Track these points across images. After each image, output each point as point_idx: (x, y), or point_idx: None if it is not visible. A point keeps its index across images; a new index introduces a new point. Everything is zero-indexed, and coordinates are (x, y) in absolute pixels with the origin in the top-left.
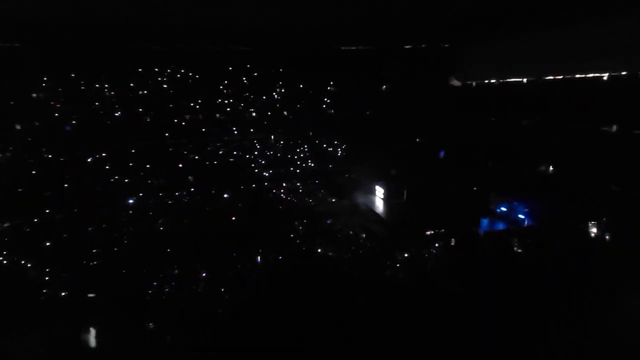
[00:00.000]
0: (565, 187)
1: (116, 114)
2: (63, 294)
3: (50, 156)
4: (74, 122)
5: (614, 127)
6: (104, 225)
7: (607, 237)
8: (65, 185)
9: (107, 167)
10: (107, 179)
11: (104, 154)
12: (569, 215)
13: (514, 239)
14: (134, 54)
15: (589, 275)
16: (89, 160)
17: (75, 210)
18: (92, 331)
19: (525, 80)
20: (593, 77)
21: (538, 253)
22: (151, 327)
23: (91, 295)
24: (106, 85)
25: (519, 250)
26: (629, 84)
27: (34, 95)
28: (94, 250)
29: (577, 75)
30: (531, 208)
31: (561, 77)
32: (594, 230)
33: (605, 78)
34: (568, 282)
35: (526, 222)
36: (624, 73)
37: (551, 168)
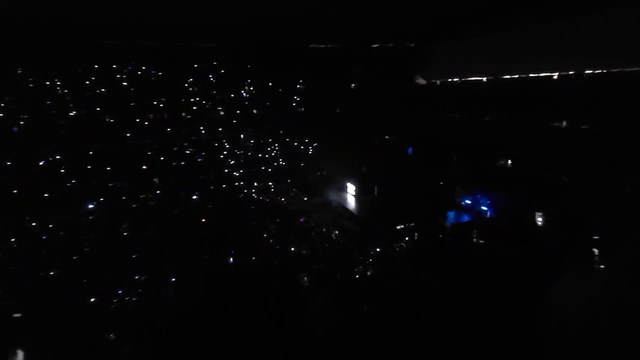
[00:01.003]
0: (522, 180)
1: (71, 114)
2: (15, 315)
3: None
4: (22, 122)
5: (564, 123)
6: (61, 233)
7: (557, 225)
8: (15, 191)
9: (62, 171)
10: (63, 183)
11: (57, 157)
12: (525, 205)
13: (477, 230)
14: (88, 49)
15: (540, 262)
16: (41, 163)
17: (27, 217)
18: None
19: (485, 79)
20: (545, 76)
21: (498, 242)
22: (112, 337)
23: (17, 315)
24: (58, 83)
25: (481, 241)
26: (576, 82)
27: None
28: (50, 260)
29: (531, 75)
30: (492, 200)
31: (517, 76)
32: (545, 219)
33: (555, 77)
34: (522, 268)
35: (488, 214)
36: (571, 73)
37: (510, 162)
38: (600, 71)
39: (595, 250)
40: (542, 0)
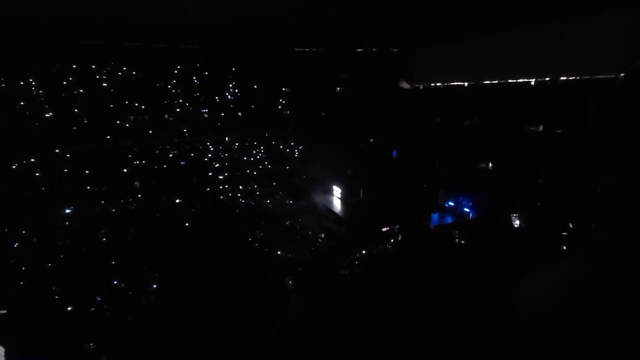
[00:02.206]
0: (502, 182)
1: (46, 115)
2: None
3: None
4: None
5: (540, 127)
6: (34, 240)
7: (535, 225)
8: None
9: (37, 174)
10: (37, 187)
11: (32, 160)
12: (503, 207)
13: (460, 231)
14: (66, 48)
15: (518, 260)
16: (14, 167)
17: None
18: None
19: (466, 84)
20: (522, 82)
21: (479, 243)
22: (91, 347)
23: (2, 312)
24: (33, 83)
25: (463, 242)
26: (551, 88)
27: None
28: (23, 268)
29: (510, 80)
30: (474, 202)
31: (496, 81)
32: (523, 220)
33: (532, 83)
34: (503, 269)
35: (470, 215)
36: (547, 79)
37: (490, 165)
38: (574, 78)
39: (570, 248)
40: (520, 8)
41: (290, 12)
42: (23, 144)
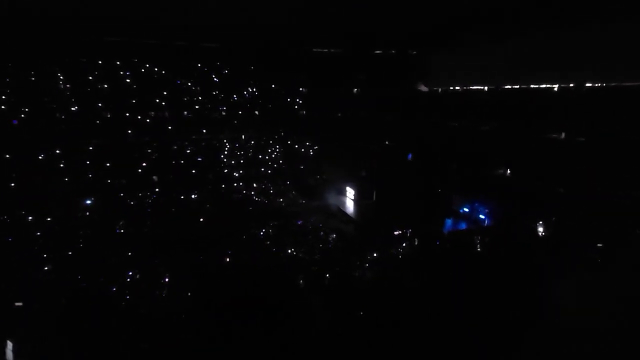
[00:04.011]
0: (520, 189)
1: (72, 109)
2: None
3: None
4: (22, 116)
5: (562, 134)
6: (56, 227)
7: (553, 234)
8: (12, 184)
9: (61, 165)
10: (61, 178)
11: (57, 151)
12: (522, 215)
13: (475, 237)
14: (92, 45)
15: (538, 270)
16: (40, 157)
17: (23, 212)
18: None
19: (486, 88)
20: (545, 87)
21: (495, 250)
22: (103, 335)
23: (18, 304)
24: (61, 78)
25: (479, 249)
26: (575, 95)
27: None
28: (45, 255)
29: (532, 86)
30: (490, 209)
31: (517, 86)
32: (544, 228)
33: (555, 89)
34: (521, 277)
35: (486, 222)
36: (571, 85)
37: (508, 171)
38: (600, 84)
39: (591, 256)
40: (546, 13)
41: (311, 15)
42: (49, 135)
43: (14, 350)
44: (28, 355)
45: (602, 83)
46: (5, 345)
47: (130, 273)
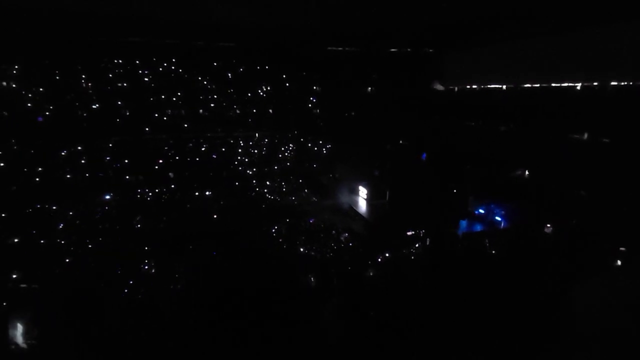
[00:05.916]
0: (539, 192)
1: (93, 106)
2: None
3: (18, 148)
4: (47, 113)
5: (585, 135)
6: (77, 222)
7: (573, 238)
8: (37, 179)
9: (82, 161)
10: (82, 174)
11: (79, 147)
12: (541, 218)
13: (490, 239)
14: (112, 45)
15: (556, 274)
16: (62, 153)
17: (46, 205)
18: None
19: (504, 87)
20: (567, 86)
21: (511, 253)
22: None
23: (34, 286)
24: (83, 76)
25: (493, 251)
26: (599, 94)
27: (3, 83)
28: (65, 247)
29: (553, 84)
30: (507, 211)
31: (538, 85)
32: (563, 232)
33: (578, 88)
34: (538, 279)
35: (502, 224)
36: (595, 84)
37: (527, 173)
38: (626, 83)
39: (609, 260)
40: (566, 9)
41: (326, 14)
42: (72, 133)
43: (23, 333)
44: (36, 337)
45: (628, 82)
46: (15, 327)
47: (146, 267)
